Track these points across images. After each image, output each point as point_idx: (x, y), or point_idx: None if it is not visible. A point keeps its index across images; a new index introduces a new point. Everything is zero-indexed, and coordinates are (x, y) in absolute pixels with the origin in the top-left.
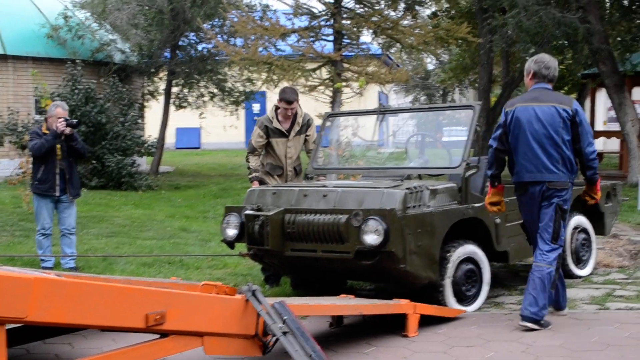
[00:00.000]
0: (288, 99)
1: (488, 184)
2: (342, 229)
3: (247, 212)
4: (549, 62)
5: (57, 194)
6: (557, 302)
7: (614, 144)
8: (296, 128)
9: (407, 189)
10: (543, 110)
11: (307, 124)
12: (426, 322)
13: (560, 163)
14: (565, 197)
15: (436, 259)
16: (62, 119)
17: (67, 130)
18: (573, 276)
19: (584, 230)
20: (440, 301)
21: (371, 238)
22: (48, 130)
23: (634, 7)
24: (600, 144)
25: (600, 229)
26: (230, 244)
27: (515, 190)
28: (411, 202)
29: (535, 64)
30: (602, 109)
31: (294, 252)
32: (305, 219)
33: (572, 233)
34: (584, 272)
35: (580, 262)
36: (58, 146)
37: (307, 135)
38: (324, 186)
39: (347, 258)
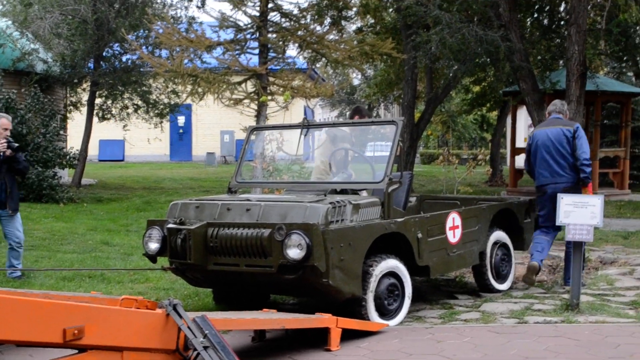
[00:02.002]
0: (367, 114)
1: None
2: (265, 243)
3: (170, 225)
4: (556, 101)
5: None
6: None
7: None
8: None
9: (330, 203)
10: (552, 131)
11: None
12: (348, 336)
13: (567, 169)
14: None
15: (359, 274)
16: (4, 141)
17: (8, 152)
18: (493, 290)
19: (504, 246)
20: (362, 315)
21: (294, 252)
22: None
23: (553, 26)
24: (521, 160)
25: (519, 244)
26: (152, 257)
27: (536, 192)
28: (334, 216)
29: (550, 106)
30: (523, 125)
31: (216, 266)
32: (228, 232)
33: (492, 248)
34: (503, 286)
35: (500, 276)
36: None
37: None
38: (247, 200)
39: (270, 272)
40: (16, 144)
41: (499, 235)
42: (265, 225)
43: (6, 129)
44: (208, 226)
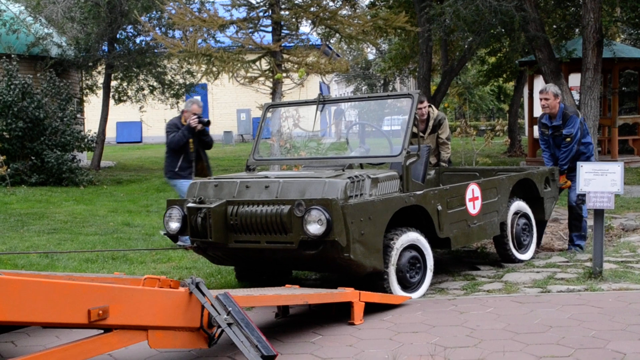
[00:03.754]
0: (419, 99)
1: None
2: (285, 220)
3: (190, 204)
4: None
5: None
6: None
7: None
8: (428, 130)
9: (349, 178)
10: None
11: (438, 123)
12: (372, 309)
13: None
14: None
15: (380, 247)
16: (195, 117)
17: (199, 126)
18: (515, 260)
19: (525, 215)
20: (385, 289)
21: (314, 228)
22: (185, 122)
23: None
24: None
25: (540, 214)
26: (174, 237)
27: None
28: (353, 191)
29: (558, 89)
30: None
31: (237, 244)
32: (248, 210)
33: (513, 218)
34: (525, 256)
35: (521, 246)
36: (190, 140)
37: (439, 132)
38: (266, 177)
39: (291, 248)
40: (206, 119)
41: (520, 205)
42: (284, 202)
43: (195, 114)
44: (227, 204)
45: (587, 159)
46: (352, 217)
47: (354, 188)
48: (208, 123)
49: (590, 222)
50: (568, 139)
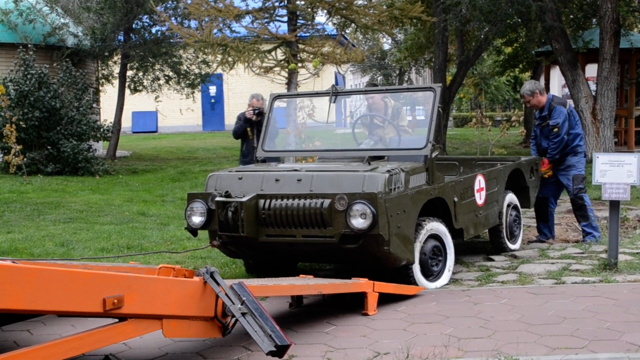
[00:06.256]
0: None
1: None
2: (325, 213)
3: (218, 198)
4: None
5: None
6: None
7: None
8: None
9: (387, 171)
10: None
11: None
12: (385, 300)
13: None
14: None
15: (412, 240)
16: (251, 109)
17: (254, 117)
18: (506, 250)
19: (515, 207)
20: (410, 278)
21: (358, 222)
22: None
23: None
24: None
25: (525, 203)
26: (195, 231)
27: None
28: (391, 184)
29: (532, 85)
30: (556, 86)
31: (269, 238)
32: (282, 204)
33: (507, 210)
34: (515, 246)
35: (512, 237)
36: (248, 129)
37: None
38: (295, 170)
39: (330, 242)
40: (257, 110)
41: (511, 197)
42: (323, 196)
43: (253, 107)
44: (258, 198)
45: (573, 149)
46: (391, 211)
47: (392, 181)
48: (262, 114)
49: (605, 213)
50: (555, 129)
